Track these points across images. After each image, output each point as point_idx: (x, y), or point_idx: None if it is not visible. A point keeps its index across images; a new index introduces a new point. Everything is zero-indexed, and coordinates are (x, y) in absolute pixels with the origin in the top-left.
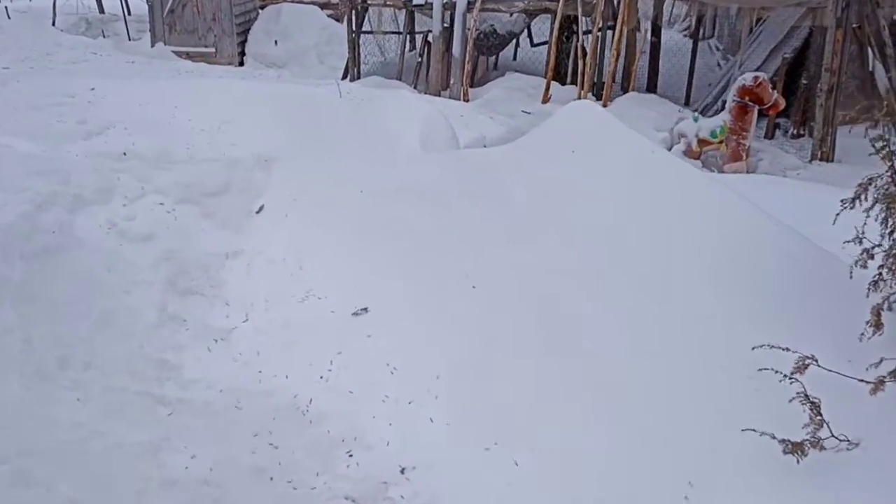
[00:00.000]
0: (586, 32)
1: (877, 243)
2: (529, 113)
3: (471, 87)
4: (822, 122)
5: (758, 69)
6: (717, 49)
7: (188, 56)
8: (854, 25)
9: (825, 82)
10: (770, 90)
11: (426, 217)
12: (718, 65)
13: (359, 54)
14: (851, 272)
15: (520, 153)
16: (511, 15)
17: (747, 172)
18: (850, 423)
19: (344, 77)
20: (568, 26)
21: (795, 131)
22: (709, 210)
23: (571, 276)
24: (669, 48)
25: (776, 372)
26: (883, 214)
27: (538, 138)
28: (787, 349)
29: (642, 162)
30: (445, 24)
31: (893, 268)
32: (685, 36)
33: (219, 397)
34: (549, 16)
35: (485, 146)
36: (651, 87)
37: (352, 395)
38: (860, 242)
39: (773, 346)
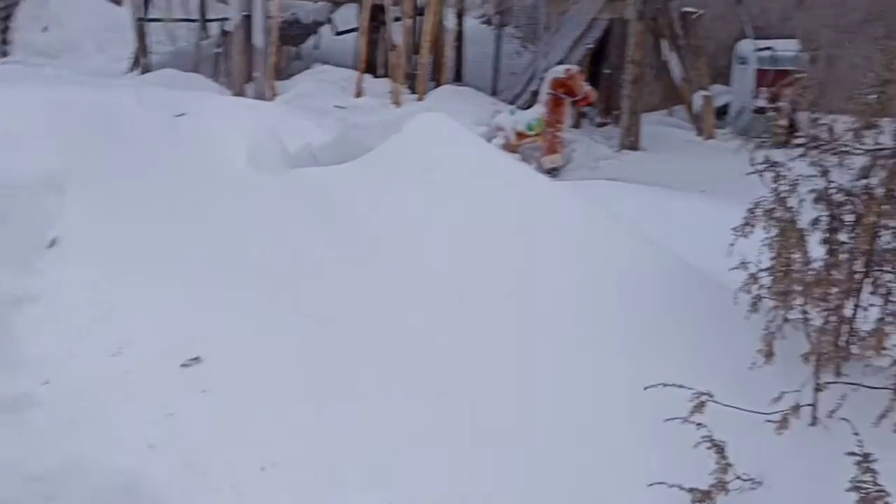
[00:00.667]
0: (396, 20)
1: (762, 267)
2: (344, 108)
3: (278, 79)
4: (629, 113)
5: (562, 60)
6: (516, 37)
7: None
8: (650, 17)
9: (630, 73)
10: (581, 82)
11: (263, 249)
12: (518, 53)
13: (146, 43)
14: (736, 297)
15: (367, 171)
16: (315, 3)
17: (563, 164)
18: (751, 458)
19: (133, 68)
20: (375, 16)
21: (601, 120)
22: (573, 226)
23: (440, 312)
24: (469, 36)
25: (680, 419)
26: (771, 239)
27: (385, 155)
28: (682, 386)
29: (498, 176)
30: (245, 13)
31: (773, 289)
32: (482, 24)
33: (23, 489)
34: (354, 4)
35: (313, 154)
36: (457, 77)
37: (190, 466)
38: (746, 267)
39: (666, 385)
